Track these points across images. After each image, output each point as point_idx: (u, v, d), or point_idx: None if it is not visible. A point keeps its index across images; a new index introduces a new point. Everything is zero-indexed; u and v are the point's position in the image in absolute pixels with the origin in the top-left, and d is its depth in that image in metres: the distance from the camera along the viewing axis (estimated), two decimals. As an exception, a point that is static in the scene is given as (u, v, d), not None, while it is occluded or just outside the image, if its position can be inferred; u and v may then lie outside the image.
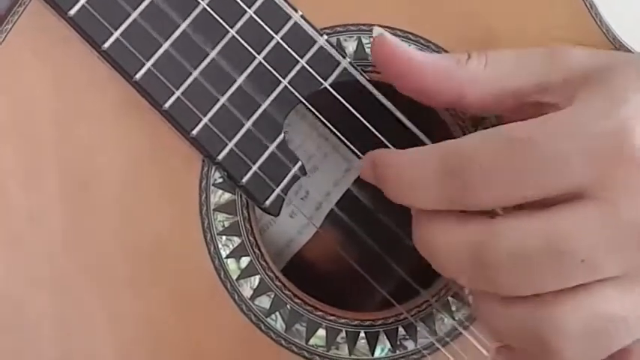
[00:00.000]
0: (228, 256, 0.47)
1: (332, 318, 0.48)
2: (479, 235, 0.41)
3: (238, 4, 0.46)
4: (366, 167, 0.45)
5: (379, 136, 0.47)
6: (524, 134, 0.40)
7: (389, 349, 0.49)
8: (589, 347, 0.41)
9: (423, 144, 0.47)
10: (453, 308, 0.49)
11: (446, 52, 0.48)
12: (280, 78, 0.46)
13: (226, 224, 0.47)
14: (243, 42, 0.46)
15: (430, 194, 0.42)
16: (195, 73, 0.45)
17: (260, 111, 0.46)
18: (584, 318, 0.41)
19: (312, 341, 0.48)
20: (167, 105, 0.45)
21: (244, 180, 0.46)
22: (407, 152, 0.44)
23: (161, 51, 0.45)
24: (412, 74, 0.44)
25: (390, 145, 0.46)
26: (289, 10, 0.46)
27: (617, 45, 0.50)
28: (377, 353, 0.49)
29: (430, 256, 0.43)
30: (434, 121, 0.50)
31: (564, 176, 0.40)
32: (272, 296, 0.48)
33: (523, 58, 0.45)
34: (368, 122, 0.47)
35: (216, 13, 0.45)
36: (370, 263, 0.52)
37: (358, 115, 0.47)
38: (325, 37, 0.47)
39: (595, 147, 0.40)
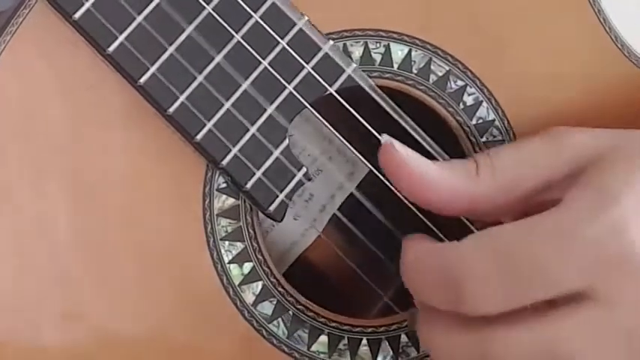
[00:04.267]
0: (230, 262, 0.47)
1: (334, 324, 0.48)
2: (476, 344, 0.41)
3: (244, 8, 0.45)
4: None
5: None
6: (513, 243, 0.40)
7: (391, 357, 0.49)
8: None
9: (425, 149, 0.47)
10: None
11: (453, 58, 0.48)
12: (285, 83, 0.46)
13: (229, 229, 0.47)
14: (248, 47, 0.45)
15: (432, 298, 0.43)
16: (200, 78, 0.45)
17: (265, 116, 0.46)
18: None
19: (314, 348, 0.48)
20: (172, 110, 0.45)
21: (248, 185, 0.46)
22: (414, 251, 0.44)
23: (166, 55, 0.44)
24: (424, 190, 0.44)
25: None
26: (295, 15, 0.46)
27: (626, 52, 0.50)
28: (379, 360, 0.49)
29: (430, 351, 0.44)
30: (439, 125, 0.49)
31: (556, 283, 0.40)
32: (274, 302, 0.47)
33: (526, 156, 0.44)
34: (373, 127, 0.47)
35: (221, 18, 0.45)
36: (373, 268, 0.52)
37: (363, 122, 0.47)
38: (331, 42, 0.46)
39: (585, 252, 0.40)
